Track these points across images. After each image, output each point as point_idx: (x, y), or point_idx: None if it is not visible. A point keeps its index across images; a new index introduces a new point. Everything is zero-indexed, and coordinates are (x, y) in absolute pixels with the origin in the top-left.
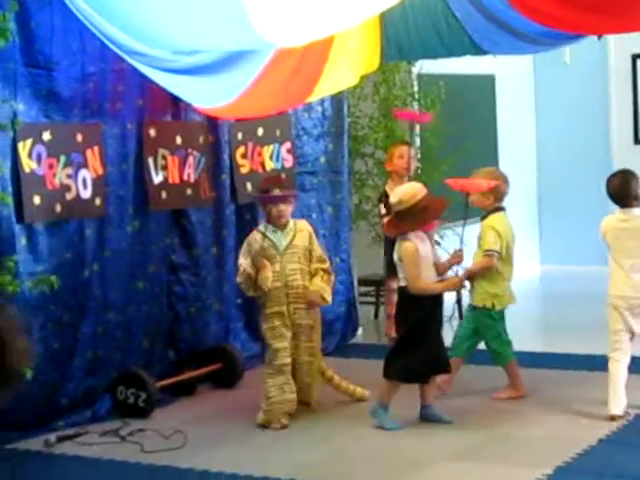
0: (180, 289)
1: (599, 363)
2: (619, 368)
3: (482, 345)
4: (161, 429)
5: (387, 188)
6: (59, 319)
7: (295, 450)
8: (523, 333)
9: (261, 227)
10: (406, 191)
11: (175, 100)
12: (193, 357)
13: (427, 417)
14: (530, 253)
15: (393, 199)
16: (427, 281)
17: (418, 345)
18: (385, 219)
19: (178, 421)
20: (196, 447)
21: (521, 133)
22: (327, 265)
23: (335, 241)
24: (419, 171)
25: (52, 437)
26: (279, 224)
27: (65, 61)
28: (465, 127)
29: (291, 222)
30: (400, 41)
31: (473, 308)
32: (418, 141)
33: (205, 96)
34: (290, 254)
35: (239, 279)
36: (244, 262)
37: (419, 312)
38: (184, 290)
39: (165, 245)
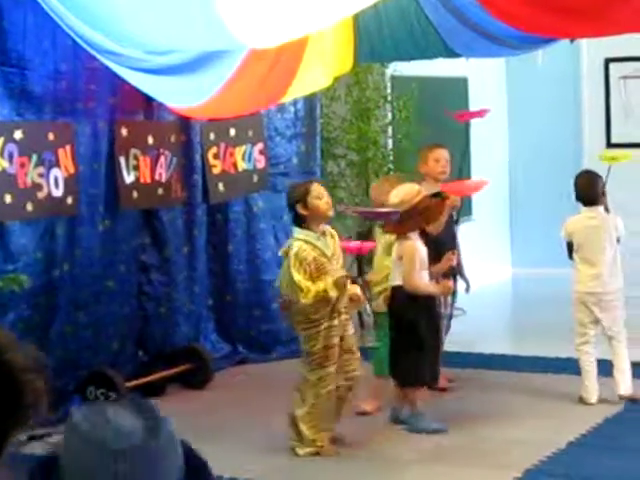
0: (150, 289)
1: (570, 366)
2: (590, 359)
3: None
4: None
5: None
6: (29, 318)
7: (265, 452)
8: (494, 336)
9: (300, 235)
10: (408, 191)
11: (147, 100)
12: (163, 357)
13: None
14: (501, 256)
15: (394, 199)
16: (423, 281)
17: (421, 346)
18: None
19: None
20: None
21: (493, 136)
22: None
23: None
24: (390, 172)
25: (22, 436)
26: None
27: (38, 60)
28: (437, 129)
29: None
30: (373, 43)
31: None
32: (390, 143)
33: (178, 96)
34: (335, 261)
35: (309, 301)
36: (306, 282)
37: (419, 312)
38: (154, 290)
39: (136, 245)
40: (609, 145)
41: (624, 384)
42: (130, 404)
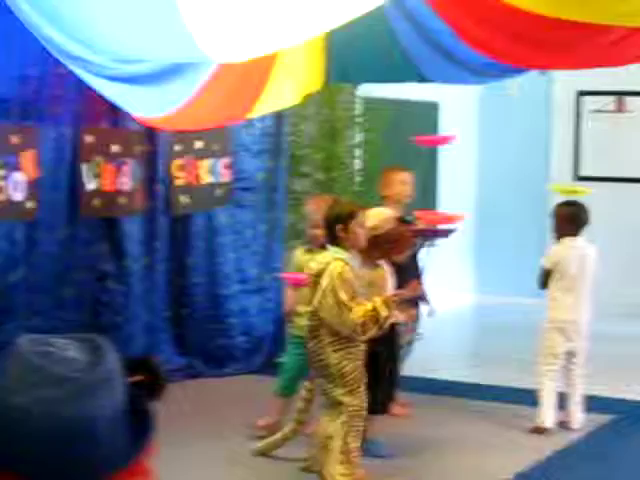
0: (107, 298)
1: (526, 398)
2: (553, 386)
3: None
4: None
5: None
6: None
7: (216, 468)
8: (453, 362)
9: (341, 255)
10: (383, 217)
11: (113, 108)
12: None
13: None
14: (464, 283)
15: (368, 224)
16: None
17: (383, 375)
18: None
19: None
20: None
21: (462, 162)
22: None
23: (267, 259)
24: (356, 194)
25: None
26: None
27: (4, 62)
28: (406, 153)
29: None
30: (344, 64)
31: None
32: (358, 164)
33: (143, 106)
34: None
35: (359, 320)
36: (355, 304)
37: (377, 342)
38: (111, 299)
39: (95, 253)
40: (577, 178)
41: (578, 417)
42: (79, 338)
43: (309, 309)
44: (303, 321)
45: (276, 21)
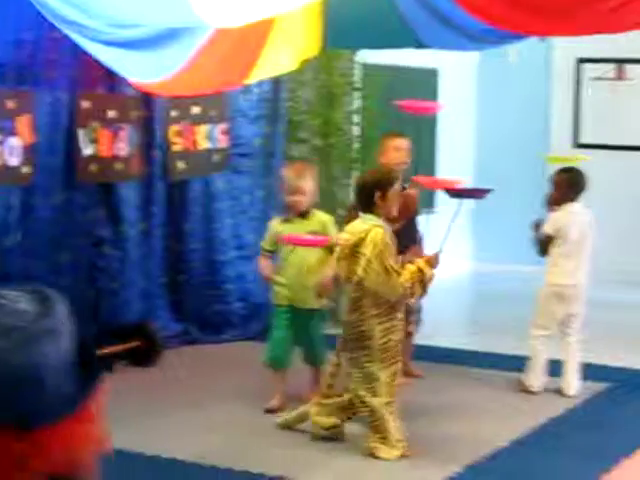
0: (104, 263)
1: (521, 365)
2: (544, 349)
3: None
4: None
5: None
6: None
7: (208, 433)
8: (451, 330)
9: (378, 222)
10: None
11: (109, 73)
12: (113, 333)
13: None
14: (462, 250)
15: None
16: None
17: None
18: None
19: None
20: (111, 424)
21: (461, 129)
22: None
23: (264, 225)
24: (354, 161)
25: None
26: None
27: None
28: (405, 120)
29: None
30: (341, 30)
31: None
32: (356, 131)
33: (140, 71)
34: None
35: (407, 283)
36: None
37: None
38: (108, 265)
39: (91, 218)
40: (577, 145)
41: (574, 384)
42: (30, 290)
43: (351, 280)
44: (285, 291)
45: None
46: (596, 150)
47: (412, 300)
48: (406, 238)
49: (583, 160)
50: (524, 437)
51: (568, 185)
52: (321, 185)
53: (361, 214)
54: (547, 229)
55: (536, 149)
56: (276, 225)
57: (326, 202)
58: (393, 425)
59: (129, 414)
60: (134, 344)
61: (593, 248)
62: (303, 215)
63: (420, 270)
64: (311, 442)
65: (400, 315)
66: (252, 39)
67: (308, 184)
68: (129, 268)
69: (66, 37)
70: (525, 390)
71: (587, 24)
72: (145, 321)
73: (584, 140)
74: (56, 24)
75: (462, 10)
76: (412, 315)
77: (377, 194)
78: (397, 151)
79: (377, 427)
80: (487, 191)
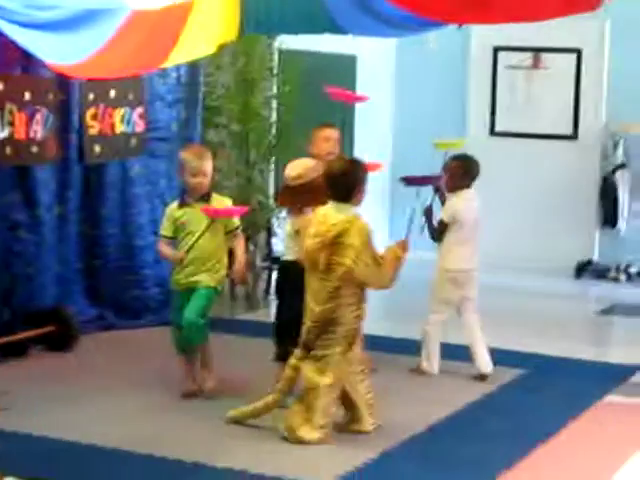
0: (19, 248)
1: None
2: (439, 333)
3: None
4: None
5: None
6: None
7: (125, 419)
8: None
9: (348, 211)
10: (307, 166)
11: (26, 55)
12: (27, 318)
13: None
14: (379, 238)
15: (292, 172)
16: None
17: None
18: None
19: (7, 382)
20: (23, 410)
21: (378, 116)
22: None
23: None
24: (272, 146)
25: None
26: None
27: None
28: (322, 105)
29: None
30: (259, 13)
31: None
32: (274, 116)
33: (56, 53)
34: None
35: (392, 278)
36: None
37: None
38: (23, 249)
39: (7, 202)
40: (492, 132)
41: (488, 360)
42: None
43: (333, 270)
44: (181, 276)
45: None
46: (511, 138)
47: None
48: None
49: (461, 145)
50: (440, 423)
51: (463, 172)
52: (239, 170)
53: (334, 203)
54: (443, 216)
55: (453, 136)
56: (174, 210)
57: (244, 187)
58: (323, 409)
59: (45, 399)
60: (49, 329)
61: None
62: (204, 198)
63: (397, 257)
64: (228, 427)
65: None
66: (170, 22)
67: (209, 166)
68: (44, 253)
69: None
70: (424, 374)
71: (505, 12)
72: (60, 306)
73: (499, 128)
74: None
75: None
76: None
77: (359, 187)
78: (327, 141)
79: (308, 405)
80: (440, 177)
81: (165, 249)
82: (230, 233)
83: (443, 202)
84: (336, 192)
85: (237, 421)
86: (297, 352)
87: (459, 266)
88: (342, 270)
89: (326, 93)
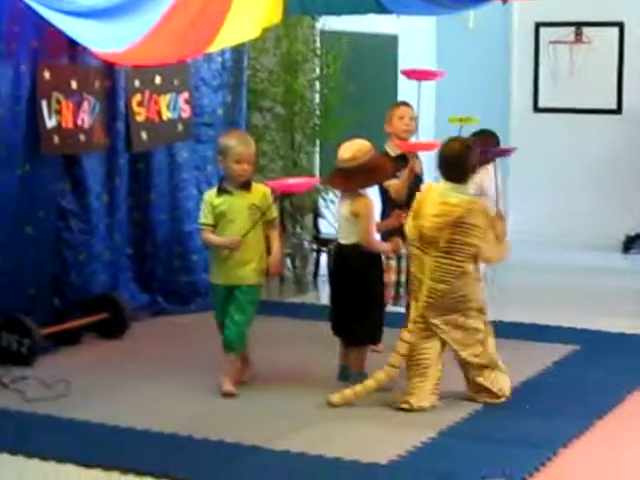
0: (69, 236)
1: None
2: None
3: None
4: (44, 377)
5: (388, 149)
6: None
7: (180, 404)
8: None
9: (463, 191)
10: (360, 148)
11: (72, 43)
12: (79, 305)
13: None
14: None
15: (345, 154)
16: (377, 239)
17: (379, 304)
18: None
19: (62, 370)
20: (79, 397)
21: (422, 94)
22: None
23: None
24: (317, 128)
25: None
26: None
27: None
28: (366, 86)
29: None
30: None
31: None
32: (317, 97)
33: (103, 40)
34: None
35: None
36: None
37: (378, 270)
38: (73, 237)
39: (55, 191)
40: (536, 109)
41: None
42: None
43: (460, 250)
44: (222, 269)
45: None
46: (555, 114)
47: None
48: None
49: (478, 120)
50: (495, 401)
51: (485, 146)
52: (285, 153)
53: (448, 183)
54: (470, 189)
55: (497, 114)
56: (213, 198)
57: (289, 170)
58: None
59: (100, 387)
60: (101, 316)
61: None
62: (244, 186)
63: (503, 232)
64: (282, 410)
65: None
66: (215, 6)
67: (253, 152)
68: (95, 240)
69: (27, 8)
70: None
71: None
72: (112, 293)
73: (543, 104)
74: None
75: None
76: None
77: (473, 168)
78: (401, 119)
79: (422, 374)
80: (510, 151)
81: (214, 237)
82: (269, 224)
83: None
84: (452, 173)
85: (346, 403)
86: (410, 326)
87: None
88: (472, 250)
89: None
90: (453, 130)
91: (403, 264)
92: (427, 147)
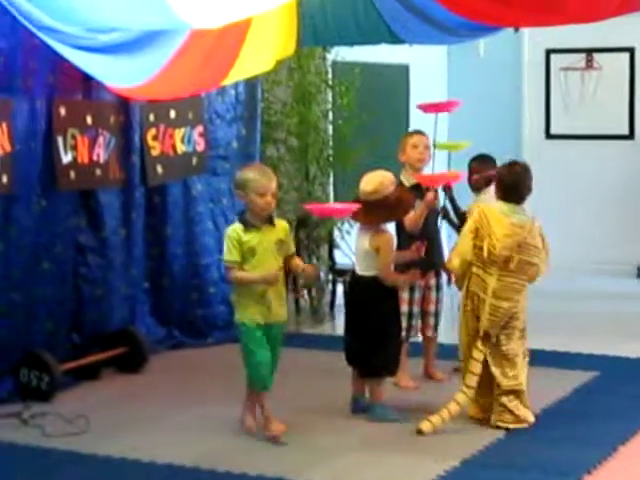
0: (86, 271)
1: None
2: None
3: None
4: (64, 413)
5: (402, 178)
6: None
7: (201, 437)
8: None
9: (524, 213)
10: (382, 181)
11: (86, 78)
12: (98, 340)
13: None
14: None
15: (367, 187)
16: (395, 273)
17: (395, 335)
18: None
19: (81, 405)
20: (99, 432)
21: (432, 124)
22: None
23: None
24: (330, 159)
25: None
26: None
27: None
28: (378, 116)
29: None
30: (316, 27)
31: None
32: (330, 128)
33: (118, 75)
34: None
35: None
36: None
37: (394, 303)
38: (90, 272)
39: (72, 226)
40: (548, 135)
41: None
42: None
43: (525, 271)
44: (259, 307)
45: None
46: (567, 140)
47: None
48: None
49: (466, 146)
50: (517, 429)
51: (484, 170)
52: (299, 185)
53: (507, 205)
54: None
55: (509, 141)
56: (240, 233)
57: (304, 201)
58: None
59: (120, 421)
60: (120, 350)
61: None
62: (269, 220)
63: None
64: (307, 442)
65: None
66: (229, 40)
67: (275, 184)
68: (112, 275)
69: (43, 44)
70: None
71: (565, 14)
72: (130, 327)
73: (555, 130)
74: (34, 31)
75: (437, 3)
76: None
77: (529, 190)
78: (415, 148)
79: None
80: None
81: (247, 274)
82: (290, 258)
83: (452, 200)
84: (512, 194)
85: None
86: (479, 345)
87: None
88: (533, 269)
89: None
90: (465, 157)
91: (416, 295)
92: (448, 179)
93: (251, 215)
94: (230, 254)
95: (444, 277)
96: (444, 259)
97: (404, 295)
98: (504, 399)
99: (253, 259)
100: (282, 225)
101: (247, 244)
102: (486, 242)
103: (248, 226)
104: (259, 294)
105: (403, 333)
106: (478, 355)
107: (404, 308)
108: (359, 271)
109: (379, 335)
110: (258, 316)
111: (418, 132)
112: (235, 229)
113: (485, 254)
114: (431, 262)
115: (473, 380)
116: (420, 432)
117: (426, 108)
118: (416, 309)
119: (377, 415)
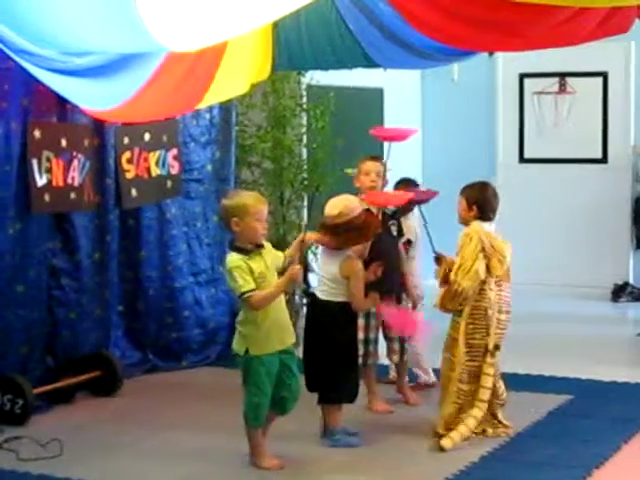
0: (60, 294)
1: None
2: None
3: None
4: (38, 437)
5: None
6: None
7: (174, 462)
8: None
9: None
10: (347, 204)
11: (61, 101)
12: (72, 364)
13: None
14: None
15: (333, 211)
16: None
17: (353, 363)
18: None
19: (55, 429)
20: (73, 456)
21: (407, 148)
22: None
23: (220, 250)
24: (305, 182)
25: None
26: None
27: None
28: (352, 139)
29: None
30: (292, 50)
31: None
32: (304, 153)
33: (93, 99)
34: None
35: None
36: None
37: (354, 330)
38: (64, 295)
39: (46, 249)
40: (522, 159)
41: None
42: None
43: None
44: (271, 334)
45: (228, 9)
46: (541, 164)
47: None
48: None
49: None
50: (491, 452)
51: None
52: (274, 208)
53: (486, 223)
54: (410, 235)
55: (483, 165)
56: (247, 262)
57: (279, 225)
58: None
59: (93, 445)
60: (94, 374)
61: None
62: (260, 245)
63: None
64: (291, 466)
65: None
66: (205, 63)
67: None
68: (86, 298)
69: (17, 67)
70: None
71: (538, 39)
72: (104, 350)
73: (529, 154)
74: (9, 53)
75: (412, 28)
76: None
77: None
78: (367, 175)
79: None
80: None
81: (269, 291)
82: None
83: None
84: (488, 213)
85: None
86: (489, 360)
87: None
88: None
89: (370, 132)
90: (441, 182)
91: (372, 322)
92: (397, 200)
93: (245, 241)
94: (247, 283)
95: (406, 303)
96: (408, 284)
97: (360, 321)
98: (499, 412)
99: (263, 283)
100: (269, 247)
101: (257, 271)
102: (494, 259)
103: (249, 253)
104: (274, 317)
105: (360, 360)
106: (489, 370)
107: (360, 335)
108: (323, 296)
109: (338, 362)
110: (274, 343)
111: (373, 158)
112: (241, 259)
113: (500, 272)
114: (389, 287)
115: (486, 394)
116: (442, 449)
117: (381, 136)
118: (372, 335)
119: (338, 441)
